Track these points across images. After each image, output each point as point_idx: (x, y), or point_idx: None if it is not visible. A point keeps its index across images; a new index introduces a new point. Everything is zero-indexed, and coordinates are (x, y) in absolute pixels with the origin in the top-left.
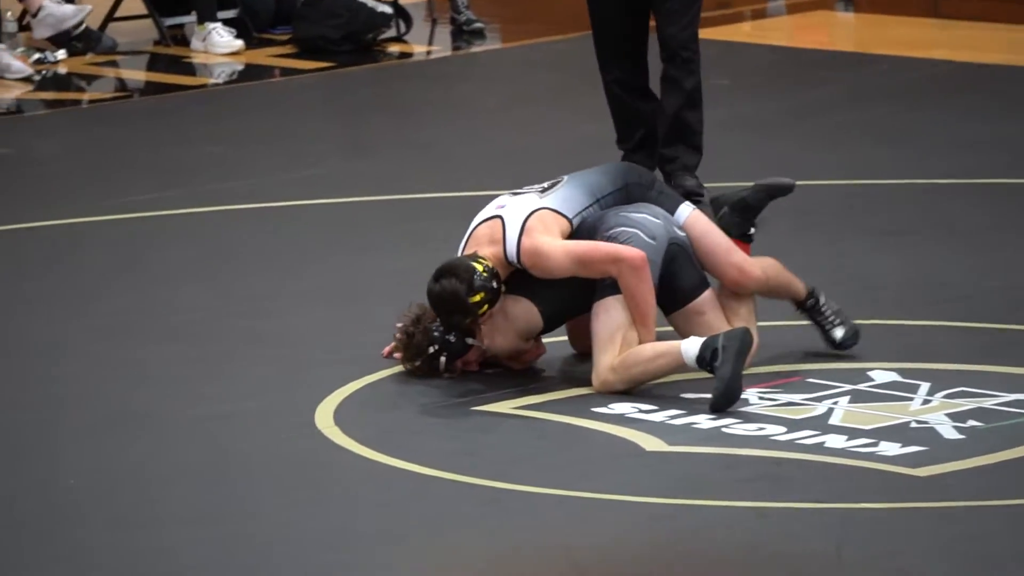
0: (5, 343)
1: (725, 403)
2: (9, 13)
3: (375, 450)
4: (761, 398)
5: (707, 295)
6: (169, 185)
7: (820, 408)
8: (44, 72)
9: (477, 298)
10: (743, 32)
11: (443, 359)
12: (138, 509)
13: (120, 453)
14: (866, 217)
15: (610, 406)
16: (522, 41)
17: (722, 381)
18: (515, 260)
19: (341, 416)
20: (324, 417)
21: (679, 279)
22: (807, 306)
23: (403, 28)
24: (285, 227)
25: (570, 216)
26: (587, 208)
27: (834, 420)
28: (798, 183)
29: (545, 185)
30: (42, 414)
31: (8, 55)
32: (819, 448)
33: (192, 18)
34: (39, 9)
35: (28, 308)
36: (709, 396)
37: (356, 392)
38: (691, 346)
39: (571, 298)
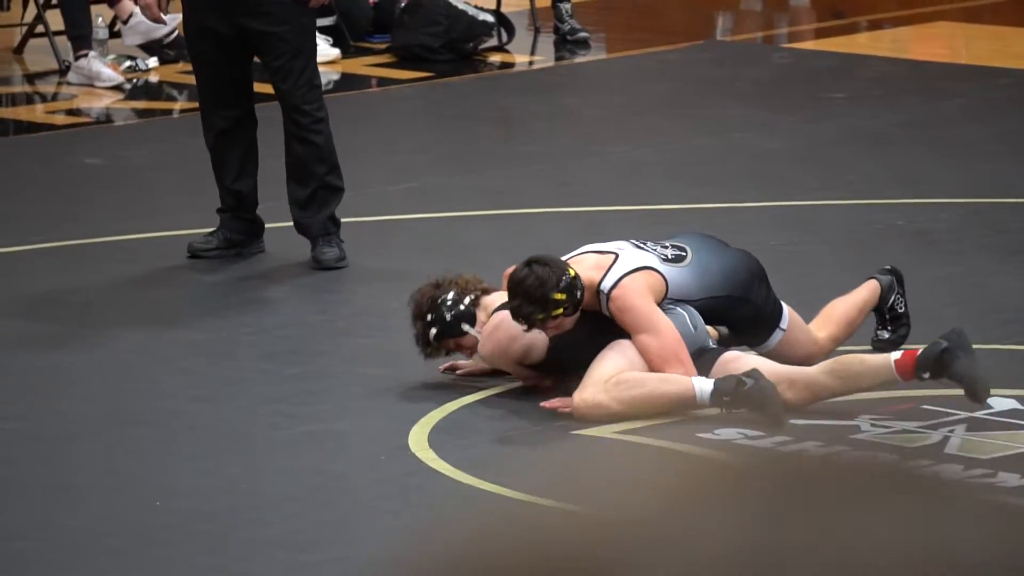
0: (99, 361)
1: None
2: (100, 19)
3: (471, 475)
4: (873, 425)
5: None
6: (262, 197)
7: (935, 436)
8: (135, 80)
9: (560, 296)
10: (858, 44)
11: (433, 331)
12: (231, 533)
13: (214, 473)
14: (992, 235)
15: (716, 432)
16: (628, 51)
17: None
18: (607, 290)
19: (436, 439)
20: (419, 440)
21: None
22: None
23: (505, 37)
24: (384, 242)
25: (671, 297)
26: (694, 301)
27: (950, 449)
28: (918, 200)
29: (668, 254)
30: (138, 431)
31: (99, 62)
32: None
33: None
34: (130, 16)
35: (122, 324)
36: (816, 423)
37: (452, 414)
38: (705, 382)
39: (587, 354)
